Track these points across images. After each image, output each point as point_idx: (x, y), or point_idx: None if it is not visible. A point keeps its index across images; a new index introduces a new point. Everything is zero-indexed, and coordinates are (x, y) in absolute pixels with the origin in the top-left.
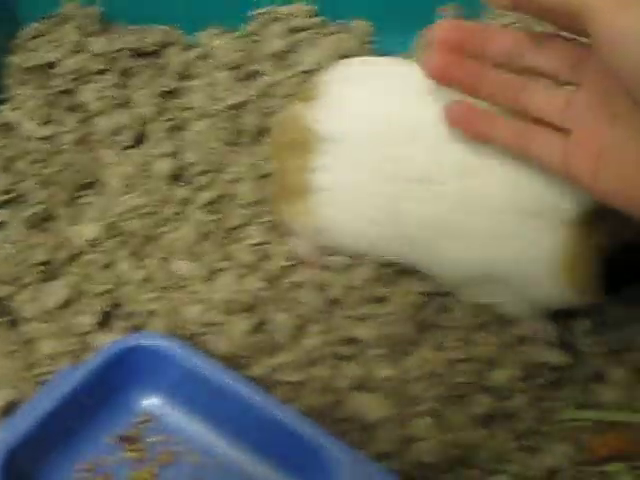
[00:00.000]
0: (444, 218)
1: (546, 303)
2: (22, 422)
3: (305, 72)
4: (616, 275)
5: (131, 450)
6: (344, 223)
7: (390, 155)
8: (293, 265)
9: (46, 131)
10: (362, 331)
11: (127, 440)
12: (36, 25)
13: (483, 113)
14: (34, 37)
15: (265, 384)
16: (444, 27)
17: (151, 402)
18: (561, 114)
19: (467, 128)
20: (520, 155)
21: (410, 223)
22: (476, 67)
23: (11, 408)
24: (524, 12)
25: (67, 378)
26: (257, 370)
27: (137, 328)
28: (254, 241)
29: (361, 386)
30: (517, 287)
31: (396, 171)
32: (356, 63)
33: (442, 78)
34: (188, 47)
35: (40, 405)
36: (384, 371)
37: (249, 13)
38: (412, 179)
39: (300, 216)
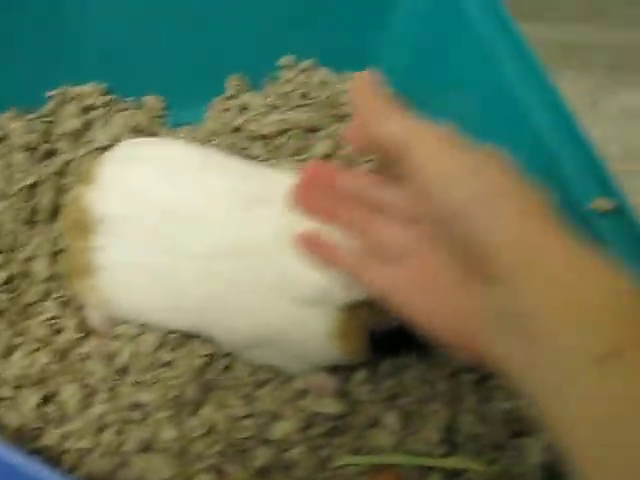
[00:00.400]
0: (219, 294)
1: (323, 363)
2: None
3: (99, 149)
4: (383, 344)
5: None
6: (127, 298)
7: (163, 233)
8: (84, 337)
9: None
10: (148, 396)
11: None
12: None
13: (326, 241)
14: None
15: (54, 453)
16: (310, 168)
17: None
18: (396, 247)
19: (314, 252)
20: (355, 279)
21: (187, 297)
22: (333, 201)
23: None
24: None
25: None
26: (47, 440)
27: None
28: (48, 316)
29: (146, 448)
30: (294, 353)
31: (170, 249)
32: (131, 145)
33: (306, 209)
34: None
35: None
36: (169, 432)
37: (44, 95)
38: (187, 257)
39: (87, 292)
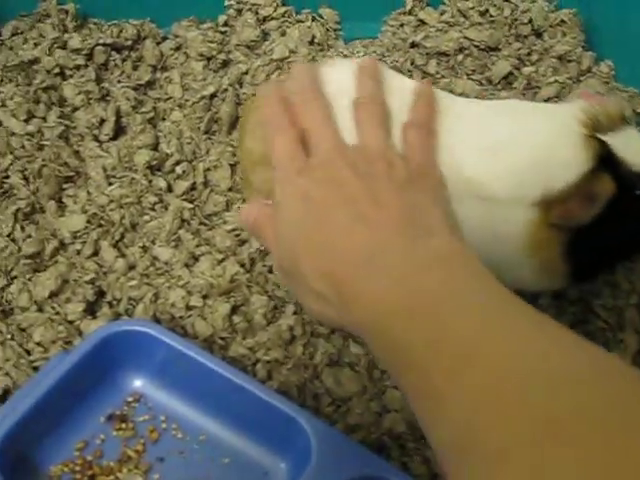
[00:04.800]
0: None
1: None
2: (18, 407)
3: (276, 60)
4: (582, 262)
5: (122, 428)
6: None
7: None
8: None
9: (29, 127)
10: None
11: (118, 418)
12: (14, 23)
13: None
14: (13, 35)
15: (244, 363)
16: None
17: (138, 383)
18: None
19: None
20: None
21: None
22: None
23: (5, 395)
24: None
25: (59, 364)
26: (236, 350)
27: (122, 314)
28: (230, 227)
29: (335, 362)
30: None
31: None
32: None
33: None
34: (162, 40)
35: (35, 390)
36: (356, 348)
37: (220, 4)
38: None
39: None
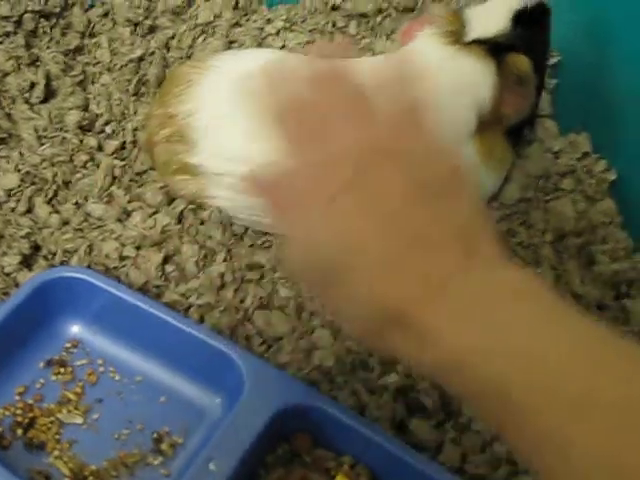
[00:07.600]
0: None
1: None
2: None
3: (201, 24)
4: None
5: (60, 373)
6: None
7: None
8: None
9: None
10: (264, 257)
11: (57, 363)
12: None
13: None
14: None
15: (177, 309)
16: None
17: (76, 329)
18: None
19: None
20: None
21: None
22: None
23: None
24: None
25: None
26: (170, 297)
27: (58, 266)
28: (160, 184)
29: (265, 306)
30: None
31: None
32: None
33: None
34: (90, 7)
35: None
36: (285, 292)
37: None
38: None
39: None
